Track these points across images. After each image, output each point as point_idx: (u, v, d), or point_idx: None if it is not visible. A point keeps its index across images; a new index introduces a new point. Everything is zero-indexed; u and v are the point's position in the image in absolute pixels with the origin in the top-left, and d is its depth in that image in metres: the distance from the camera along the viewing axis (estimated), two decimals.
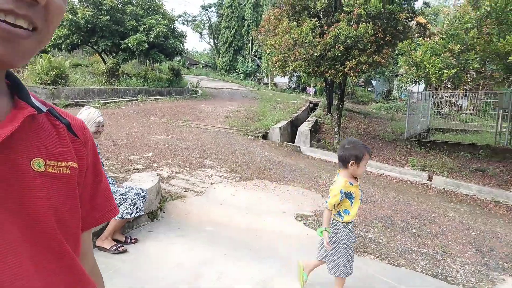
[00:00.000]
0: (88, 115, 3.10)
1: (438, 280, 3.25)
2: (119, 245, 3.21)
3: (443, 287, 3.13)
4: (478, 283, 3.22)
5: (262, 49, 24.02)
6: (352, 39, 7.98)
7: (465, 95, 15.61)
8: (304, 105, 16.06)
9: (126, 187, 3.50)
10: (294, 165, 7.23)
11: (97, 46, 15.82)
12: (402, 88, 22.35)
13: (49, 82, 10.71)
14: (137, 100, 13.95)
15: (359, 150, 2.50)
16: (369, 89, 27.72)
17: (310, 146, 9.40)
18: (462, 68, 6.58)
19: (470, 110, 15.07)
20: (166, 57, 17.51)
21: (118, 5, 15.29)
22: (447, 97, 16.98)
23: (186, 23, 46.50)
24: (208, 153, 7.29)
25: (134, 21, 15.29)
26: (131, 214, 3.31)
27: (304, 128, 9.88)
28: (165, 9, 17.87)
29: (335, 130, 9.93)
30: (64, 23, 13.58)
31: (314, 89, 23.21)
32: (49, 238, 0.52)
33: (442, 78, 6.52)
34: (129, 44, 14.97)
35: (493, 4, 5.66)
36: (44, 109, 0.59)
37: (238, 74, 32.71)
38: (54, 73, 10.85)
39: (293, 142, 9.93)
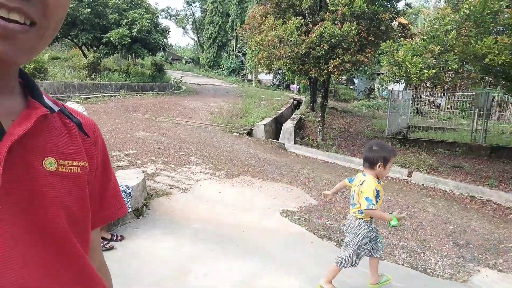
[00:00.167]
0: None
1: (418, 272, 3.39)
2: (105, 242, 3.18)
3: (423, 279, 3.27)
4: (455, 274, 3.37)
5: (246, 46, 23.96)
6: (337, 38, 8.09)
7: (443, 94, 16.11)
8: (288, 102, 16.17)
9: None
10: (279, 162, 7.30)
11: (78, 40, 15.40)
12: (383, 87, 22.83)
13: None
14: (119, 95, 13.68)
15: (387, 152, 2.59)
16: (351, 87, 28.14)
17: (295, 143, 9.50)
18: (441, 69, 6.79)
19: (447, 109, 15.57)
20: (149, 52, 17.23)
21: None
22: (426, 96, 17.47)
23: (169, 17, 45.83)
24: (193, 149, 7.26)
25: (117, 14, 14.96)
26: None
27: (289, 125, 9.97)
28: (149, 3, 17.57)
29: (319, 127, 10.07)
30: None
31: (298, 86, 23.38)
32: (60, 237, 0.53)
33: (423, 78, 6.70)
34: (111, 38, 14.64)
35: (471, 8, 5.86)
36: (56, 108, 0.60)
37: (222, 70, 32.52)
38: (32, 66, 10.51)
39: (278, 139, 10.01)
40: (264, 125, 10.12)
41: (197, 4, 43.89)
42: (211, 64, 34.64)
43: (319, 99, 14.82)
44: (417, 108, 15.06)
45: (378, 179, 2.63)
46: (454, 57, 6.29)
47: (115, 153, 6.11)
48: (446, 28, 6.48)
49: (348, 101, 22.19)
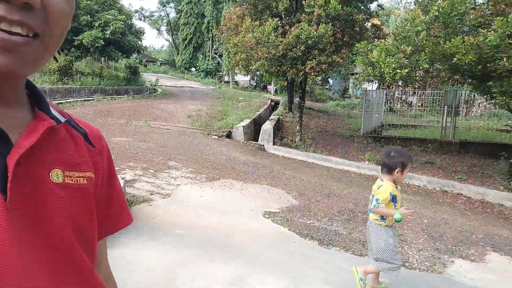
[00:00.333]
0: None
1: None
2: None
3: (401, 272, 3.40)
4: (432, 266, 3.53)
5: (223, 47, 23.89)
6: (313, 39, 8.24)
7: (415, 93, 16.74)
8: (266, 103, 16.27)
9: None
10: (259, 164, 7.35)
11: None
12: (357, 86, 23.41)
13: None
14: (93, 99, 13.31)
15: (404, 158, 2.66)
16: (326, 87, 28.66)
17: (274, 144, 9.58)
18: (413, 68, 7.06)
19: (419, 107, 16.18)
20: (123, 54, 16.86)
21: None
22: (398, 94, 18.08)
23: (143, 18, 44.97)
24: (172, 154, 7.18)
25: (89, 16, 14.55)
26: None
27: (268, 127, 10.05)
28: (122, 4, 17.19)
29: (297, 128, 10.21)
30: None
31: (275, 87, 23.56)
32: (67, 249, 0.53)
33: (396, 78, 6.95)
34: (83, 41, 14.23)
35: (440, 9, 6.14)
36: (62, 119, 0.60)
37: (199, 72, 32.25)
38: None
39: (257, 141, 10.06)
40: (243, 127, 10.14)
41: (171, 5, 43.33)
42: (187, 66, 34.28)
43: (296, 100, 15.02)
44: (390, 106, 15.55)
45: (395, 184, 2.71)
46: (425, 57, 6.56)
47: None
48: (417, 29, 6.74)
49: (323, 101, 22.58)
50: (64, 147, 0.57)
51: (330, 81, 27.93)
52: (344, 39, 8.86)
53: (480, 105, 14.30)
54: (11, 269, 0.45)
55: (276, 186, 5.88)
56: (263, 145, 9.40)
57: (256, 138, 10.44)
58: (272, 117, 12.50)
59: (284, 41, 8.40)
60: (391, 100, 16.65)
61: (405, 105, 17.64)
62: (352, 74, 23.24)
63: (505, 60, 5.32)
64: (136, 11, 41.95)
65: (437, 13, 6.19)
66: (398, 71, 6.69)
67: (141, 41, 18.08)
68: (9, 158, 0.47)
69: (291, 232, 4.16)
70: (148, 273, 3.02)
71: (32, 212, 0.49)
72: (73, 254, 0.54)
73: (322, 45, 8.42)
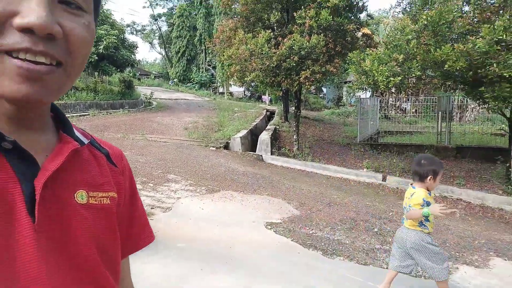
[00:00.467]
0: None
1: (402, 274, 3.51)
2: None
3: (407, 281, 3.39)
4: None
5: (216, 59, 24.06)
6: (306, 50, 8.35)
7: (408, 99, 16.93)
8: (262, 113, 16.34)
9: None
10: (258, 174, 7.35)
11: None
12: (351, 94, 23.64)
13: None
14: (88, 114, 13.28)
15: (436, 165, 2.68)
16: (320, 95, 28.90)
17: (272, 154, 9.60)
18: (406, 76, 7.17)
19: (413, 113, 16.35)
20: (117, 68, 16.93)
21: None
22: (392, 101, 18.27)
23: (135, 32, 45.32)
24: (170, 167, 7.16)
25: None
26: None
27: (265, 137, 10.07)
28: (114, 18, 17.33)
29: (294, 137, 10.25)
30: None
31: (270, 97, 23.70)
32: (91, 269, 0.53)
33: (390, 85, 7.05)
34: None
35: (429, 18, 6.28)
36: (86, 141, 0.61)
37: (193, 84, 32.36)
38: None
39: (255, 151, 10.07)
40: (240, 137, 10.16)
41: (163, 18, 43.74)
42: (181, 78, 34.40)
43: (291, 109, 15.10)
44: (384, 113, 15.70)
45: (428, 191, 2.72)
46: (417, 64, 6.68)
47: None
48: (407, 37, 6.87)
49: (318, 110, 22.74)
50: (88, 168, 0.59)
51: (324, 89, 28.17)
52: (337, 49, 8.99)
53: (473, 110, 14.50)
54: None
55: (276, 196, 5.87)
56: (261, 156, 9.41)
57: (253, 149, 10.46)
58: (268, 127, 12.55)
59: (278, 52, 8.50)
60: (386, 107, 16.83)
61: (400, 112, 17.81)
62: (345, 83, 23.48)
63: (495, 66, 5.43)
64: (128, 26, 42.29)
65: (426, 22, 6.33)
66: (392, 79, 6.79)
67: (134, 55, 18.20)
68: (36, 181, 0.49)
69: (294, 243, 4.14)
70: (152, 287, 2.98)
71: (58, 233, 0.50)
72: (98, 274, 0.55)
73: (315, 55, 8.53)
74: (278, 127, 12.81)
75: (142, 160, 7.37)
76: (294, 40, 8.40)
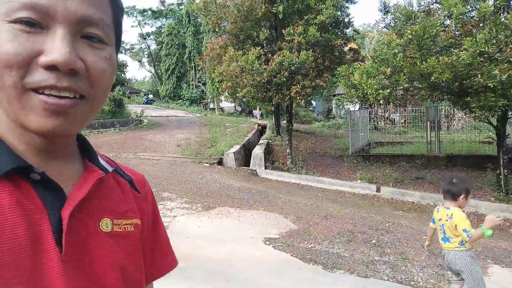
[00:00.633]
0: None
1: (404, 285, 3.53)
2: None
3: None
4: (437, 284, 3.55)
5: (206, 76, 24.25)
6: (295, 65, 8.52)
7: (396, 110, 17.25)
8: (253, 128, 16.42)
9: None
10: (253, 189, 7.34)
11: None
12: (340, 107, 23.98)
13: None
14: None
15: (468, 184, 2.77)
16: (310, 109, 29.23)
17: (266, 169, 9.62)
18: (394, 88, 7.35)
19: (402, 123, 16.65)
20: None
21: None
22: (381, 112, 18.60)
23: (124, 51, 45.43)
24: (165, 185, 7.11)
25: None
26: None
27: (258, 151, 10.11)
28: None
29: (287, 151, 10.31)
30: None
31: (260, 112, 23.86)
32: None
33: (379, 98, 7.22)
34: None
35: (413, 33, 6.51)
36: (110, 169, 0.63)
37: (183, 101, 32.44)
38: None
39: (248, 166, 10.08)
40: (234, 152, 10.17)
41: (151, 37, 44.10)
42: (171, 96, 34.48)
43: (282, 123, 15.23)
44: (374, 125, 15.94)
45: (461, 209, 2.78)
46: (404, 77, 6.87)
47: None
48: (394, 51, 7.09)
49: (309, 123, 22.95)
50: (112, 196, 0.60)
51: (313, 102, 28.51)
52: (325, 64, 9.20)
53: (460, 119, 14.85)
54: None
55: (273, 211, 5.87)
56: (255, 170, 9.42)
57: (247, 164, 10.46)
58: (261, 141, 12.61)
59: (268, 68, 8.65)
60: (375, 119, 17.10)
61: (389, 123, 18.11)
62: (334, 95, 23.85)
63: (479, 76, 5.63)
64: None
65: (411, 36, 6.55)
66: (381, 91, 6.95)
67: (124, 74, 18.21)
68: (63, 211, 0.50)
69: (293, 258, 4.12)
70: None
71: (84, 262, 0.51)
72: None
73: (305, 70, 8.70)
74: (270, 141, 12.88)
75: None
76: (283, 56, 8.57)
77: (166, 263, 0.72)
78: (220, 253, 4.27)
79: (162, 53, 35.47)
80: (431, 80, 6.47)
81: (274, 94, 9.16)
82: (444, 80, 6.23)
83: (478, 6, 6.45)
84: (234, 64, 8.95)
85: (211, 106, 29.89)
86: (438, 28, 6.52)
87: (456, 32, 7.06)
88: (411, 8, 7.63)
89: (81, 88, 0.50)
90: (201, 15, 12.68)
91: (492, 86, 5.57)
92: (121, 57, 60.73)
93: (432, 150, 10.43)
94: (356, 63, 9.20)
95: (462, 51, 5.89)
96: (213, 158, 10.10)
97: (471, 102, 6.14)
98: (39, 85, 0.47)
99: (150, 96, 38.75)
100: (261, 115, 23.90)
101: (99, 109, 0.56)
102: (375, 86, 7.03)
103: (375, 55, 7.80)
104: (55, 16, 0.47)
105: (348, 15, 10.27)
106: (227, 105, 27.97)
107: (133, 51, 47.18)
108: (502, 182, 6.72)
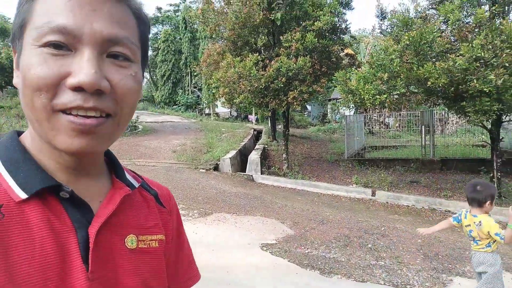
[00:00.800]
0: None
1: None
2: None
3: None
4: (432, 287, 3.58)
5: (202, 81, 24.28)
6: (293, 71, 8.58)
7: (391, 114, 17.37)
8: (249, 133, 16.42)
9: None
10: (250, 195, 7.35)
11: None
12: (336, 111, 24.11)
13: None
14: None
15: (492, 190, 2.80)
16: (305, 113, 29.33)
17: (262, 174, 9.63)
18: (391, 93, 7.43)
19: (396, 127, 16.76)
20: None
21: None
22: (376, 117, 18.72)
23: None
24: None
25: None
26: None
27: (254, 157, 10.12)
28: None
29: (284, 156, 10.34)
30: None
31: (256, 117, 23.91)
32: None
33: (376, 103, 7.29)
34: None
35: (410, 38, 6.60)
36: (136, 184, 0.64)
37: (179, 106, 32.42)
38: None
39: (245, 171, 10.08)
40: (230, 158, 10.18)
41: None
42: (167, 101, 34.45)
43: (278, 128, 15.27)
44: (369, 129, 16.03)
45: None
46: (401, 82, 6.94)
47: None
48: (391, 57, 7.17)
49: (304, 127, 23.01)
50: (138, 212, 0.61)
51: (308, 107, 28.63)
52: (322, 69, 9.28)
53: (454, 122, 15.00)
54: None
55: (269, 217, 5.88)
56: (251, 176, 9.43)
57: (243, 169, 10.47)
58: (257, 146, 12.62)
59: (266, 74, 8.70)
60: (370, 123, 17.20)
61: (383, 127, 18.22)
62: (330, 100, 23.98)
63: (475, 81, 5.71)
64: None
65: (408, 42, 6.63)
66: (378, 97, 7.02)
67: None
68: (90, 228, 0.51)
69: (291, 263, 4.13)
70: None
71: (109, 279, 0.52)
72: None
73: (302, 76, 8.77)
74: (266, 146, 12.90)
75: None
76: (281, 62, 8.64)
77: (189, 277, 0.73)
78: (218, 260, 4.26)
79: (158, 59, 35.46)
80: (428, 85, 6.55)
81: (271, 99, 9.21)
82: (440, 85, 6.30)
83: (474, 12, 6.57)
84: (231, 70, 9.00)
85: (207, 111, 29.91)
86: (434, 34, 6.61)
87: (452, 38, 7.17)
88: (408, 14, 7.75)
89: (107, 107, 0.51)
90: (198, 22, 12.72)
91: (487, 91, 5.66)
92: None
93: (427, 154, 10.52)
94: (352, 68, 9.29)
95: (458, 56, 5.99)
96: (209, 163, 10.10)
97: (466, 107, 6.21)
98: (66, 106, 0.48)
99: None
100: (257, 120, 23.94)
101: (126, 125, 0.57)
102: (372, 91, 7.10)
103: (372, 60, 7.89)
104: (82, 38, 0.48)
105: (345, 21, 10.38)
106: (222, 110, 28.00)
107: None
108: (496, 185, 6.79)
